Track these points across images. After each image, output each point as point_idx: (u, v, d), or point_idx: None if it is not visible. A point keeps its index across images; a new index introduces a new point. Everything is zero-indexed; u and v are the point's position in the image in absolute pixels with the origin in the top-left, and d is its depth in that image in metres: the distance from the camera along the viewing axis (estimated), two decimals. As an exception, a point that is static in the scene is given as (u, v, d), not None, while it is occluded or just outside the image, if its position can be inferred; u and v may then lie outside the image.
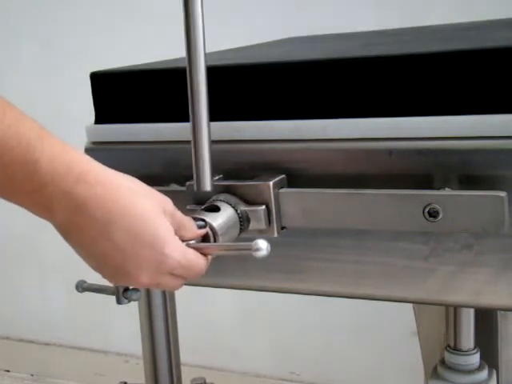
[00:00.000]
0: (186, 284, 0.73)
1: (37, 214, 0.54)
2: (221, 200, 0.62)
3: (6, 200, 0.54)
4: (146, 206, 0.55)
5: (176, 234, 0.57)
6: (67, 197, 0.52)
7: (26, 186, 0.51)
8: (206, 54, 0.60)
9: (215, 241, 0.60)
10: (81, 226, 0.53)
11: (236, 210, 0.63)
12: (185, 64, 0.77)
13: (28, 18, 1.91)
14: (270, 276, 0.70)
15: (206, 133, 0.61)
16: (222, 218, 0.61)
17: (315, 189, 0.63)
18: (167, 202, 0.57)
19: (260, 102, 0.68)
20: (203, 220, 0.60)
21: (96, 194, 0.52)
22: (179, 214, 0.58)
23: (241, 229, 0.63)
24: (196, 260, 0.58)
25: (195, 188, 0.62)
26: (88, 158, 0.54)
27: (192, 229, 0.59)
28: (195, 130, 0.61)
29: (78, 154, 0.54)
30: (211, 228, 0.60)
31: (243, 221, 0.63)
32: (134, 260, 0.54)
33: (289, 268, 0.68)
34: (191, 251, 0.57)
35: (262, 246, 0.56)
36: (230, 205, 0.63)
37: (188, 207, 0.64)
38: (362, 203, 0.60)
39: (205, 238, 0.60)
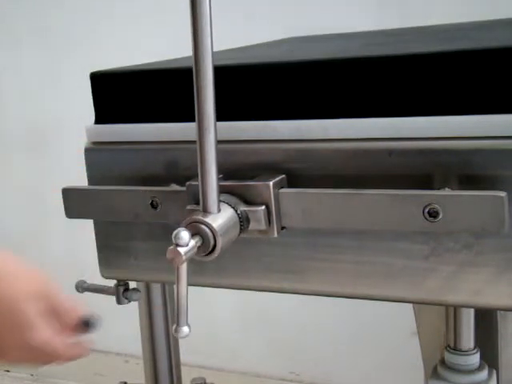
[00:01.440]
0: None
1: None
2: (221, 200, 0.62)
3: None
4: (13, 290, 0.55)
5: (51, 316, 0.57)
6: None
7: None
8: (213, 54, 0.60)
9: (215, 241, 0.60)
10: None
11: (236, 211, 0.63)
12: (185, 64, 0.77)
13: (28, 18, 1.91)
14: (270, 276, 0.70)
15: (212, 135, 0.60)
16: (222, 218, 0.61)
17: (315, 189, 0.63)
18: (41, 284, 0.57)
19: (260, 102, 0.68)
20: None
21: None
22: (59, 298, 0.58)
23: (241, 229, 0.63)
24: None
25: (200, 190, 0.61)
26: None
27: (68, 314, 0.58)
28: (201, 132, 0.60)
29: None
30: (211, 229, 0.60)
31: (243, 221, 0.63)
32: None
33: (289, 268, 0.68)
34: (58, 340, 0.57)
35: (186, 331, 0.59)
36: (230, 205, 0.63)
37: (188, 207, 0.64)
38: (362, 203, 0.60)
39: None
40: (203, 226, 0.60)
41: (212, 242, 0.60)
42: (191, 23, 0.59)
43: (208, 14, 0.59)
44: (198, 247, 0.59)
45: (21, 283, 0.55)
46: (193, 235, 0.60)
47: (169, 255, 0.58)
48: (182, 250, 0.57)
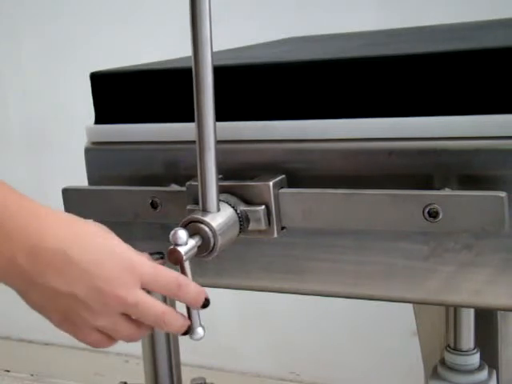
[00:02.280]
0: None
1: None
2: (220, 200, 0.62)
3: None
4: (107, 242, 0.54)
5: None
6: (23, 236, 0.51)
7: None
8: (213, 54, 0.60)
9: (215, 240, 0.60)
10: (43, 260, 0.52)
11: (236, 210, 0.63)
12: (185, 64, 0.77)
13: (28, 18, 1.91)
14: (270, 276, 0.70)
15: (211, 135, 0.60)
16: (222, 217, 0.61)
17: (315, 189, 0.63)
18: (138, 265, 0.56)
19: (260, 102, 0.68)
20: (160, 253, 0.60)
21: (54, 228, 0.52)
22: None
23: (240, 229, 0.63)
24: (153, 302, 0.56)
25: (199, 189, 0.61)
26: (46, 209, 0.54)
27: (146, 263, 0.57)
28: (200, 131, 0.60)
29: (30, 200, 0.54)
30: (210, 228, 0.60)
31: (243, 221, 0.63)
32: (108, 277, 0.53)
33: (289, 268, 0.68)
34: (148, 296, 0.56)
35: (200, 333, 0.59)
36: (230, 205, 0.63)
37: (188, 207, 0.64)
38: (362, 203, 0.60)
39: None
40: (202, 226, 0.60)
41: (211, 242, 0.60)
42: (191, 23, 0.59)
43: (207, 14, 0.59)
44: (198, 247, 0.59)
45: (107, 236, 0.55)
46: (192, 235, 0.60)
47: (169, 255, 0.58)
48: (182, 249, 0.57)
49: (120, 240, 0.56)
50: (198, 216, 0.60)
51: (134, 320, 0.57)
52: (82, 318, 0.55)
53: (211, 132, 0.60)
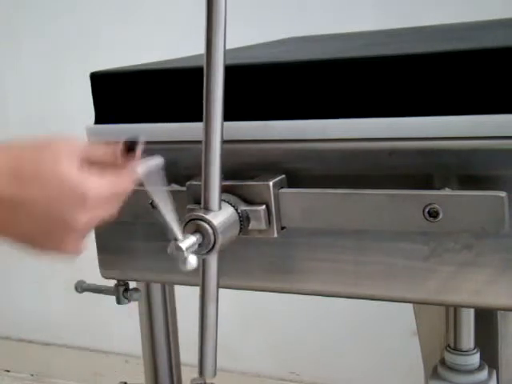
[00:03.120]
0: (185, 284, 0.74)
1: None
2: (221, 199, 0.62)
3: None
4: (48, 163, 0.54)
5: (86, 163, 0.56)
6: None
7: None
8: (225, 54, 0.60)
9: (215, 238, 0.60)
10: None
11: (236, 209, 0.63)
12: (185, 64, 0.77)
13: (28, 18, 1.91)
14: (270, 276, 0.70)
15: (218, 131, 0.61)
16: (223, 216, 0.61)
17: (315, 189, 0.63)
18: (69, 145, 0.56)
19: (260, 102, 0.68)
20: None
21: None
22: (83, 147, 0.57)
23: (241, 228, 0.63)
24: (117, 179, 0.57)
25: (202, 186, 0.61)
26: None
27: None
28: (208, 128, 0.61)
29: None
30: (211, 226, 0.60)
31: (243, 220, 0.63)
32: (59, 206, 0.54)
33: (289, 268, 0.68)
34: (106, 178, 0.56)
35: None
36: (231, 204, 0.63)
37: (188, 207, 0.64)
38: (362, 203, 0.60)
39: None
40: (203, 223, 0.60)
41: (212, 239, 0.60)
42: (205, 22, 0.59)
43: (223, 13, 0.59)
44: (199, 244, 0.59)
45: (48, 154, 0.54)
46: (193, 232, 0.60)
47: (170, 250, 0.58)
48: (182, 244, 0.57)
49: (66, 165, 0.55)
50: (200, 213, 0.60)
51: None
52: (50, 244, 0.56)
53: (218, 130, 0.60)
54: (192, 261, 0.58)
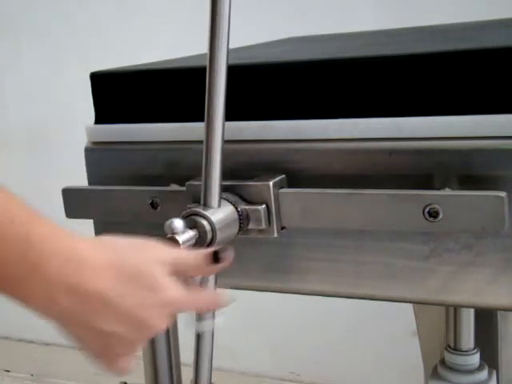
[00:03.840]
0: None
1: (37, 307, 0.51)
2: (221, 198, 0.62)
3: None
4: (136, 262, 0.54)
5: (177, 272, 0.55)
6: (60, 278, 0.50)
7: (20, 265, 0.48)
8: (228, 53, 0.60)
9: (213, 236, 0.60)
10: (82, 303, 0.51)
11: (236, 208, 0.63)
12: (185, 64, 0.77)
13: (28, 18, 1.91)
14: (270, 276, 0.70)
15: (219, 135, 0.61)
16: (222, 213, 0.61)
17: (315, 189, 0.63)
18: (160, 250, 0.55)
19: (260, 102, 0.68)
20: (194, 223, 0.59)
21: (87, 275, 0.51)
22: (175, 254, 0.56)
23: (240, 227, 0.63)
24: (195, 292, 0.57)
25: (203, 182, 0.61)
26: (76, 238, 0.52)
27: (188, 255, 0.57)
28: (209, 132, 0.61)
29: (66, 234, 0.52)
30: (209, 222, 0.60)
31: (243, 219, 0.63)
32: (140, 306, 0.53)
33: (289, 268, 0.68)
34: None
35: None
36: (230, 202, 0.63)
37: (188, 206, 0.64)
38: (362, 203, 0.60)
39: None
40: (202, 219, 0.60)
41: (210, 236, 0.60)
42: (209, 22, 0.59)
43: (227, 14, 0.59)
44: (196, 240, 0.59)
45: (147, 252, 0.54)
46: (191, 228, 0.59)
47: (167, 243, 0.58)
48: (179, 237, 0.57)
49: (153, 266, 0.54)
50: (199, 209, 0.60)
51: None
52: (122, 350, 0.56)
53: (220, 129, 0.61)
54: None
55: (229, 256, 0.55)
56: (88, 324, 0.52)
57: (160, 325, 0.54)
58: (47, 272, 0.49)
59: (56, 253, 0.50)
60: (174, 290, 0.54)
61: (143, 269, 0.53)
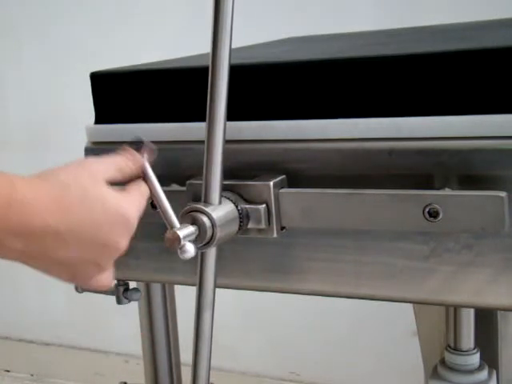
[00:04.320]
0: (185, 284, 0.74)
1: None
2: (222, 196, 0.62)
3: None
4: (85, 185, 0.53)
5: (116, 178, 0.56)
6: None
7: None
8: (231, 53, 0.60)
9: (213, 232, 0.60)
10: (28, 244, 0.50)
11: (236, 206, 0.63)
12: (185, 64, 0.77)
13: (28, 18, 1.91)
14: (270, 276, 0.70)
15: (220, 137, 0.61)
16: (222, 210, 0.61)
17: (315, 189, 0.63)
18: (96, 165, 0.56)
19: (260, 102, 0.68)
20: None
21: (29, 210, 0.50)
22: (107, 162, 0.57)
23: (240, 226, 0.63)
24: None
25: (204, 178, 0.61)
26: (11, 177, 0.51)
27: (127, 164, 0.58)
28: (210, 130, 0.61)
29: (4, 179, 0.51)
30: (210, 218, 0.60)
31: (243, 217, 0.63)
32: (107, 230, 0.53)
33: (289, 268, 0.68)
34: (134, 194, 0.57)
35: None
36: (231, 201, 0.63)
37: (189, 204, 0.64)
38: (362, 203, 0.60)
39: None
40: (202, 215, 0.60)
41: (210, 232, 0.60)
42: (212, 21, 0.59)
43: (230, 13, 0.59)
44: (196, 236, 0.59)
45: (84, 177, 0.54)
46: (191, 224, 0.59)
47: (167, 238, 0.57)
48: (180, 232, 0.57)
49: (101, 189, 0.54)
50: (199, 206, 0.60)
51: None
52: (92, 272, 0.55)
53: (221, 128, 0.61)
54: (189, 248, 0.57)
55: (148, 145, 0.58)
56: (48, 259, 0.52)
57: (120, 239, 0.54)
58: None
59: None
60: (119, 200, 0.54)
61: (85, 192, 0.53)
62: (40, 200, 0.51)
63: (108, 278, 0.57)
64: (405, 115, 0.62)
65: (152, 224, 0.72)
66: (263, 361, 1.86)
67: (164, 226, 0.69)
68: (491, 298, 0.61)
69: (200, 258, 0.64)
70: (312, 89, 0.66)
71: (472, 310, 0.86)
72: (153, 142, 0.73)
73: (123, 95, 0.75)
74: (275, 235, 0.64)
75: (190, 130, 0.70)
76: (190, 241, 0.58)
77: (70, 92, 1.84)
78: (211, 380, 1.02)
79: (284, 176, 0.65)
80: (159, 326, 0.94)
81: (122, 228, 0.54)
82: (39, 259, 0.52)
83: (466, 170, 0.59)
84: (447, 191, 0.59)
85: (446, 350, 0.88)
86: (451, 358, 0.87)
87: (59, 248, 0.52)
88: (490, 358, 0.91)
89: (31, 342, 2.15)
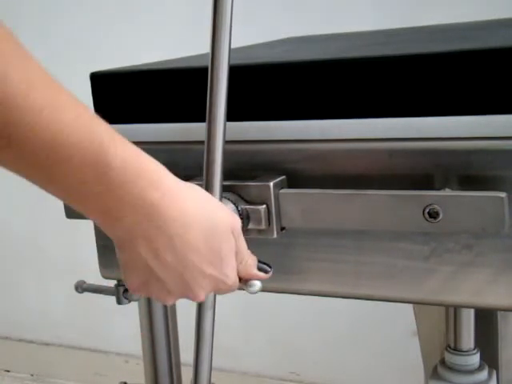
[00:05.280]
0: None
1: (100, 222, 0.51)
2: (222, 196, 0.62)
3: (71, 206, 0.50)
4: (219, 216, 0.54)
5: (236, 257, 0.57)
6: (139, 201, 0.49)
7: (95, 188, 0.48)
8: (230, 53, 0.60)
9: None
10: (149, 233, 0.51)
11: (237, 207, 0.63)
12: (185, 64, 0.77)
13: (28, 18, 1.91)
14: (271, 276, 0.69)
15: (220, 137, 0.61)
16: None
17: (315, 189, 0.63)
18: (237, 222, 0.57)
19: (260, 102, 0.68)
20: (266, 264, 0.61)
21: (170, 200, 0.51)
22: (243, 240, 0.58)
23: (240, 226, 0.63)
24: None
25: (204, 178, 0.61)
26: (161, 167, 0.53)
27: (252, 266, 0.60)
28: (211, 130, 0.61)
29: (151, 161, 0.52)
30: None
31: (243, 218, 0.63)
32: (199, 273, 0.54)
33: (289, 268, 0.68)
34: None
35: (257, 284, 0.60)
36: (231, 201, 0.63)
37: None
38: (362, 203, 0.60)
39: None
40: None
41: None
42: (211, 21, 0.59)
43: (229, 13, 0.59)
44: None
45: (222, 212, 0.55)
46: None
47: None
48: None
49: (230, 234, 0.56)
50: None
51: None
52: (156, 293, 0.55)
53: (221, 128, 0.61)
54: (257, 283, 0.59)
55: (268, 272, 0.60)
56: (141, 254, 0.52)
57: (200, 294, 0.55)
58: (123, 196, 0.49)
59: (138, 176, 0.49)
60: (233, 271, 0.56)
61: (221, 232, 0.54)
62: (183, 197, 0.53)
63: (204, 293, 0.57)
64: (405, 115, 0.62)
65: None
66: (263, 361, 1.86)
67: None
68: (491, 298, 0.61)
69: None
70: (312, 89, 0.66)
71: (472, 310, 0.86)
72: (153, 142, 0.73)
73: (123, 95, 0.75)
74: (275, 236, 0.64)
75: (190, 130, 0.70)
76: None
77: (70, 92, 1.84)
78: (211, 380, 1.02)
79: (284, 176, 0.65)
80: (159, 326, 0.94)
81: (211, 286, 0.55)
82: (133, 246, 0.52)
83: (466, 170, 0.59)
84: (447, 192, 0.59)
85: (446, 350, 0.88)
86: (451, 358, 0.87)
87: (158, 243, 0.51)
88: (490, 358, 0.91)
89: (31, 341, 2.15)
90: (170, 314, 0.95)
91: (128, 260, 0.53)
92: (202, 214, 0.53)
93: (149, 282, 0.54)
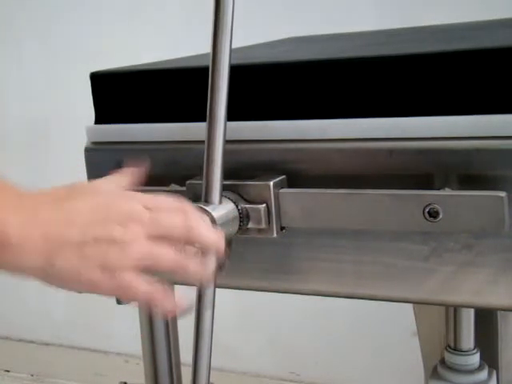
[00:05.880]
0: (185, 284, 0.73)
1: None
2: (223, 195, 0.62)
3: None
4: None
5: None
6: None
7: None
8: (231, 53, 0.60)
9: None
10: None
11: (237, 206, 0.63)
12: (186, 64, 0.77)
13: (28, 18, 1.91)
14: (270, 276, 0.70)
15: (221, 136, 0.61)
16: (223, 209, 0.61)
17: (315, 189, 0.63)
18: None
19: (260, 102, 0.68)
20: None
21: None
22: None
23: (240, 225, 0.63)
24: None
25: (203, 191, 0.61)
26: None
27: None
28: (210, 132, 0.61)
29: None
30: (211, 217, 0.60)
31: (243, 217, 0.63)
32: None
33: (289, 268, 0.68)
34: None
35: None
36: (231, 200, 0.63)
37: (189, 204, 0.64)
38: (362, 203, 0.60)
39: None
40: (203, 214, 0.60)
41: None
42: (212, 21, 0.59)
43: (230, 13, 0.59)
44: None
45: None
46: None
47: None
48: None
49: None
50: (200, 205, 0.60)
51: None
52: (116, 256, 0.53)
53: (221, 128, 0.61)
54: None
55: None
56: (69, 245, 0.54)
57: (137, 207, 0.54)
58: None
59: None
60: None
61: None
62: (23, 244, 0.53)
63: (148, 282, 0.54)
64: (405, 115, 0.62)
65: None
66: (263, 361, 1.86)
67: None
68: (491, 298, 0.61)
69: (200, 257, 0.63)
70: (312, 89, 0.66)
71: (472, 310, 0.86)
72: (153, 142, 0.73)
73: (123, 95, 0.75)
74: (275, 235, 0.64)
75: (190, 130, 0.70)
76: None
77: (70, 92, 1.84)
78: (211, 380, 1.02)
79: (284, 176, 0.65)
80: (159, 326, 0.94)
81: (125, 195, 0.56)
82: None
83: (465, 170, 0.59)
84: (447, 191, 0.59)
85: (446, 350, 0.88)
86: (451, 358, 0.87)
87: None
88: (490, 358, 0.91)
89: (31, 341, 2.15)
90: (169, 313, 0.95)
91: (63, 267, 0.55)
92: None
93: (100, 259, 0.53)
